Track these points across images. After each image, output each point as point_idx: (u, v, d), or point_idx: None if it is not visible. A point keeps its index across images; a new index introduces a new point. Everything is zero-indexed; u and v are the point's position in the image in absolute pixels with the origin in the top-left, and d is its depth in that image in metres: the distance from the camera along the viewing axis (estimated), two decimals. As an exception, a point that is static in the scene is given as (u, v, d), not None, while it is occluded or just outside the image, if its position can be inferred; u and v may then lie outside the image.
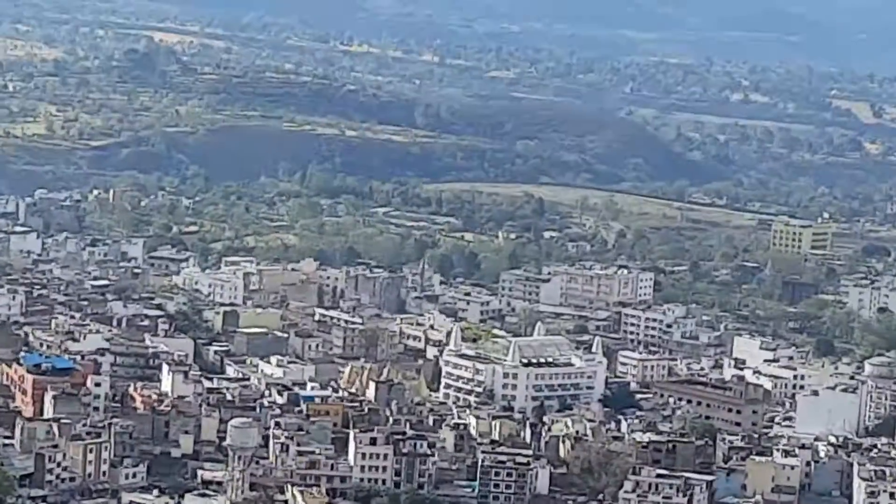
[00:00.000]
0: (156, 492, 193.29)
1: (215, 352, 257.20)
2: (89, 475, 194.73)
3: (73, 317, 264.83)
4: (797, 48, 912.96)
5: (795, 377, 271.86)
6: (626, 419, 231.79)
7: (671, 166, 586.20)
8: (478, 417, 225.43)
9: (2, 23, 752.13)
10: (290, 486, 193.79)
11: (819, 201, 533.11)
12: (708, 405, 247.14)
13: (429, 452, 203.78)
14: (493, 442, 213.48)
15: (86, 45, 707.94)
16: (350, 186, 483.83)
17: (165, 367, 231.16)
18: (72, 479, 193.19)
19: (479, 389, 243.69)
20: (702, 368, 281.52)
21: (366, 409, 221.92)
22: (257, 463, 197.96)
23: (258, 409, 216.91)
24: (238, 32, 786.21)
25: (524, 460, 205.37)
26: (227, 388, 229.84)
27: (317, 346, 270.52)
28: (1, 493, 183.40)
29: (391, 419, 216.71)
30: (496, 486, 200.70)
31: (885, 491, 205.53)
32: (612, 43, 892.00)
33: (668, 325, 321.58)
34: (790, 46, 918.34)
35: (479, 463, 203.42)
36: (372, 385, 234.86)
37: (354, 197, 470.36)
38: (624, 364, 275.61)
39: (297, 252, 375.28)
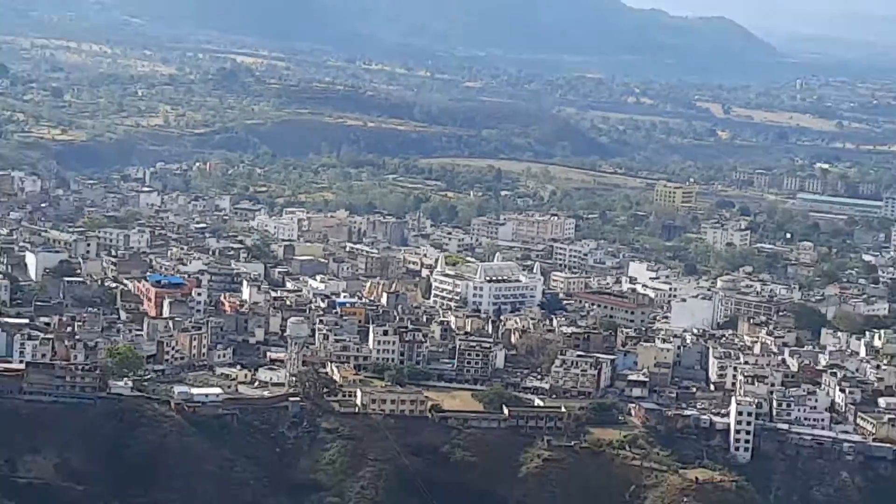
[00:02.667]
0: (238, 367, 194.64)
1: (278, 272, 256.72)
2: (193, 356, 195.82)
3: (182, 248, 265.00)
4: (672, 67, 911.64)
5: (670, 289, 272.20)
6: (556, 318, 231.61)
7: (587, 147, 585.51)
8: (456, 317, 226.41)
9: (134, 48, 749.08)
10: (329, 363, 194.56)
11: (687, 170, 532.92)
12: (611, 308, 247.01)
13: (422, 340, 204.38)
14: (466, 333, 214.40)
15: (191, 64, 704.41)
16: (369, 160, 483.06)
17: (245, 283, 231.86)
18: (181, 358, 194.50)
19: (457, 298, 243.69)
20: (608, 284, 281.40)
21: (380, 311, 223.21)
22: (307, 347, 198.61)
23: (308, 311, 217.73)
24: (293, 56, 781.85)
25: (487, 345, 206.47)
26: (287, 297, 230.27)
27: (347, 268, 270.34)
28: (134, 367, 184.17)
29: (397, 318, 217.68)
30: (468, 362, 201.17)
31: (730, 366, 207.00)
32: (547, 63, 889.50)
33: (585, 254, 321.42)
34: (667, 66, 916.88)
35: (457, 347, 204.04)
36: (385, 295, 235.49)
37: (372, 167, 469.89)
38: (555, 281, 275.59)
39: (333, 205, 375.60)
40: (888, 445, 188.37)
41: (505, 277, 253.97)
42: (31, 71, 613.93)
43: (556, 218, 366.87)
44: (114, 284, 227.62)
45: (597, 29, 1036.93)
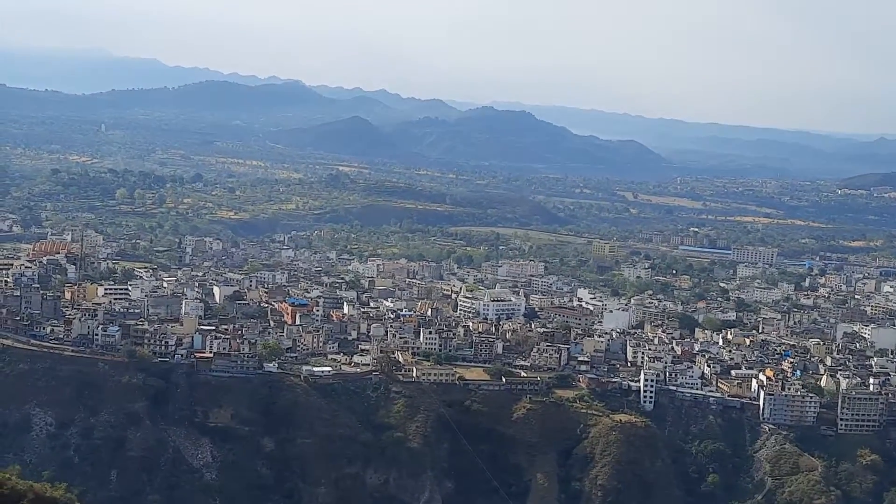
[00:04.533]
0: (341, 354, 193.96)
1: (366, 296, 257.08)
2: (314, 347, 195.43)
3: (307, 283, 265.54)
4: (601, 170, 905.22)
5: (602, 305, 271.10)
6: (533, 323, 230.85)
7: (551, 219, 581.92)
8: (472, 322, 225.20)
9: (277, 163, 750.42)
10: (396, 351, 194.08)
11: (612, 233, 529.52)
12: (567, 317, 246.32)
13: (452, 336, 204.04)
14: (478, 332, 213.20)
15: (309, 171, 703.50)
16: (420, 228, 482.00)
17: (345, 303, 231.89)
18: (307, 349, 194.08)
19: (474, 311, 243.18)
20: (564, 302, 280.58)
21: (427, 319, 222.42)
22: (383, 342, 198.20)
23: (383, 320, 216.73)
24: (373, 166, 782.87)
25: (492, 339, 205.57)
26: (370, 311, 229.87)
27: (406, 294, 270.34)
28: (278, 354, 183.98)
29: (437, 323, 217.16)
30: (480, 350, 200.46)
31: (640, 351, 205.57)
32: (525, 168, 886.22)
33: (550, 284, 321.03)
34: (598, 170, 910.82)
35: (473, 341, 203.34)
36: (429, 309, 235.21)
37: (421, 233, 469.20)
38: (532, 301, 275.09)
39: (398, 255, 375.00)
40: (736, 399, 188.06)
41: (502, 298, 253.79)
42: (216, 177, 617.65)
43: (532, 262, 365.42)
44: (266, 305, 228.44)
45: (555, 148, 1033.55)
